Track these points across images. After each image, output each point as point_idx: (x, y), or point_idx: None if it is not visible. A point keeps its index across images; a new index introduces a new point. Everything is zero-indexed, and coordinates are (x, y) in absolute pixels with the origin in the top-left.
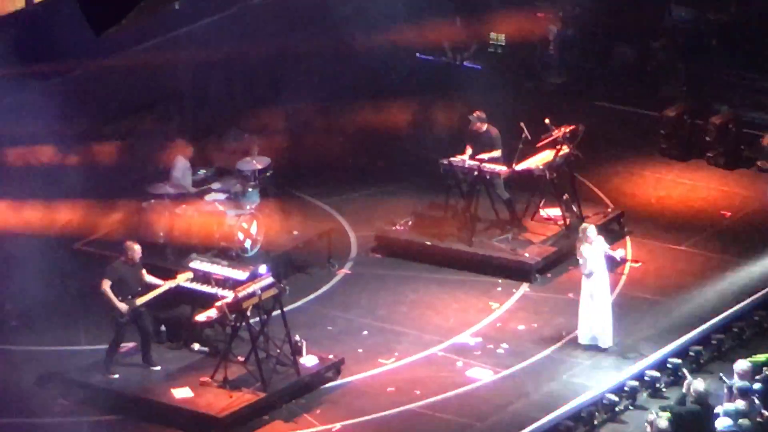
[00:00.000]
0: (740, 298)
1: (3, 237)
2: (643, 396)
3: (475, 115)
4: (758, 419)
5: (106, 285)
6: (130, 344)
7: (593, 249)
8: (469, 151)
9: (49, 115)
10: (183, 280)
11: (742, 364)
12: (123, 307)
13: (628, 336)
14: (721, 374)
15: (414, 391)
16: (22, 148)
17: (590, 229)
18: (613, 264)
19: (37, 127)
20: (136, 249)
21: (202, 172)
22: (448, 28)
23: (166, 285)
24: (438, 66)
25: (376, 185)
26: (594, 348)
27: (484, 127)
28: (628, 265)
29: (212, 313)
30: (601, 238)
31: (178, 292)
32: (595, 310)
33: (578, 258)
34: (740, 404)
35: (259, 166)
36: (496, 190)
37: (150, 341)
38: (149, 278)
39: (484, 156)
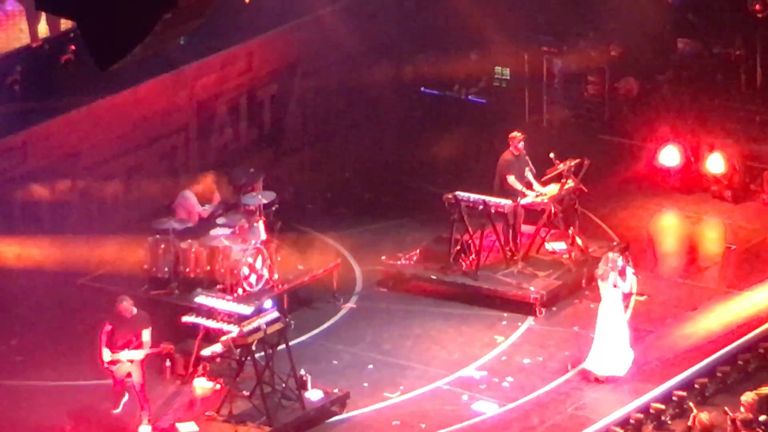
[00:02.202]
0: (746, 330)
1: (9, 272)
2: (648, 428)
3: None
4: None
5: (105, 329)
6: None
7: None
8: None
9: (55, 151)
10: (165, 349)
11: (748, 397)
12: (104, 355)
13: (633, 369)
14: (726, 407)
15: (419, 424)
16: (28, 184)
17: (620, 259)
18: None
19: (42, 162)
20: (124, 306)
21: (207, 206)
22: (461, 62)
23: (141, 352)
24: (443, 100)
25: (382, 219)
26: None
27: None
28: (633, 298)
29: (217, 347)
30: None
31: (184, 327)
32: (616, 337)
33: (604, 283)
34: None
35: (265, 201)
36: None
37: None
38: (146, 337)
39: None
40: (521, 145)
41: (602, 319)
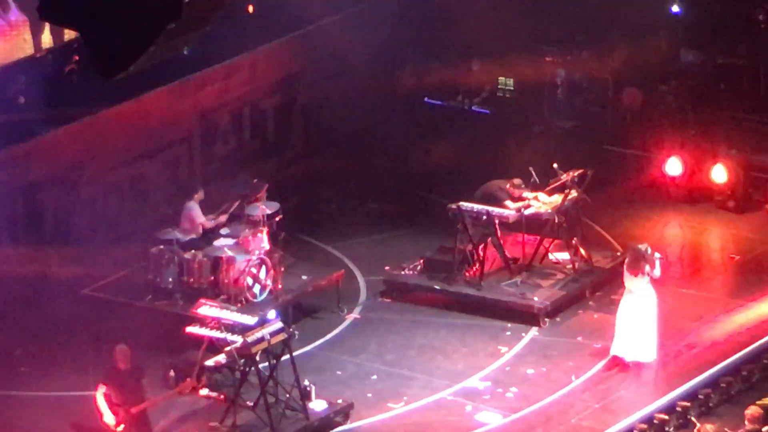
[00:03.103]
0: (750, 341)
1: (12, 282)
2: None
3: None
4: None
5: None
6: None
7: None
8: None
9: (58, 161)
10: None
11: (753, 410)
12: (108, 419)
13: (637, 379)
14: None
15: None
16: (32, 194)
17: (648, 248)
18: None
19: (46, 173)
20: (121, 355)
21: (211, 216)
22: (465, 72)
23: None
24: (447, 110)
25: (385, 229)
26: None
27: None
28: None
29: (221, 358)
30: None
31: (188, 338)
32: (643, 325)
33: (639, 277)
34: None
35: (268, 211)
36: None
37: None
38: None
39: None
40: (518, 192)
41: (631, 307)
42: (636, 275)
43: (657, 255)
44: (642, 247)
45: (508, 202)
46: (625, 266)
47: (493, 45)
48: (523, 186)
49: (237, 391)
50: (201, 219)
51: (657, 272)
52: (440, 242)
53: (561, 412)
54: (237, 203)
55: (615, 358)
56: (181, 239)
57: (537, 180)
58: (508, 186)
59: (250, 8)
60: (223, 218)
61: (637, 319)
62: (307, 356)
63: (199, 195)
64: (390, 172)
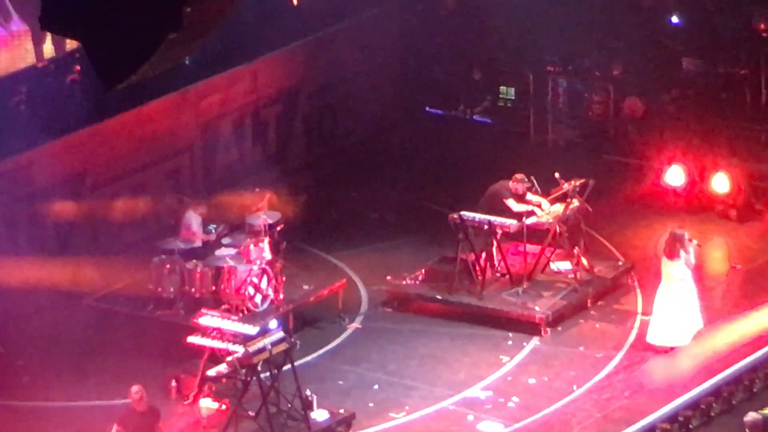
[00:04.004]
0: (751, 350)
1: (14, 293)
2: None
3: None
4: None
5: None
6: None
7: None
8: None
9: (60, 171)
10: None
11: (752, 417)
12: None
13: (639, 389)
14: None
15: None
16: (34, 204)
17: (686, 233)
18: None
19: (47, 182)
20: (137, 396)
21: (212, 227)
22: (466, 81)
23: None
24: (448, 119)
25: (387, 239)
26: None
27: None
28: (638, 318)
29: (223, 368)
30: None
31: (189, 348)
32: (678, 310)
33: (675, 261)
34: None
35: (270, 221)
36: None
37: None
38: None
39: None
40: (521, 186)
41: (668, 294)
42: (671, 258)
43: (694, 242)
44: (680, 231)
45: (510, 201)
46: (662, 251)
47: (495, 54)
48: (526, 181)
49: (239, 401)
50: (201, 234)
51: (692, 259)
52: (442, 252)
53: (563, 422)
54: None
55: (650, 346)
56: (182, 249)
57: (538, 189)
58: (510, 183)
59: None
60: (222, 229)
61: (672, 304)
62: (308, 366)
63: (201, 206)
64: (392, 182)
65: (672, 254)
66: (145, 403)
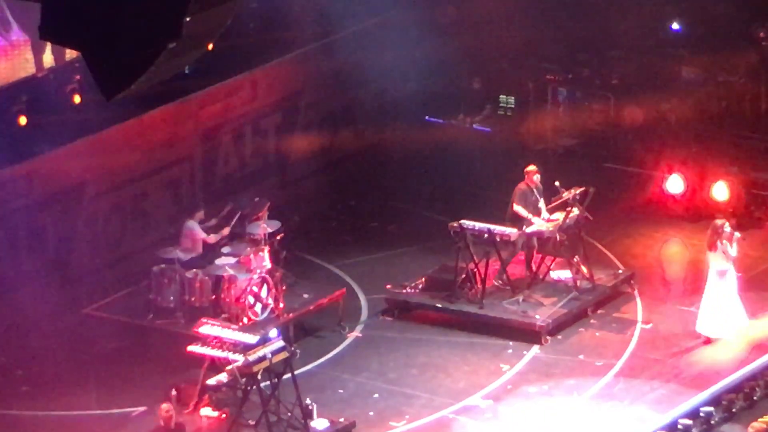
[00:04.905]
0: (751, 358)
1: (14, 302)
2: None
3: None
4: None
5: None
6: (141, 408)
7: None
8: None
9: (60, 180)
10: None
11: (757, 427)
12: None
13: (639, 397)
14: None
15: None
16: (34, 213)
17: (727, 225)
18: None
19: (47, 192)
20: (165, 413)
21: (212, 235)
22: (466, 90)
23: None
24: (448, 128)
25: (387, 248)
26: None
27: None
28: (638, 326)
29: (223, 377)
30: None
31: (190, 357)
32: (718, 301)
33: (714, 252)
34: None
35: (270, 230)
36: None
37: None
38: None
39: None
40: (536, 178)
41: (711, 285)
42: (711, 250)
43: (737, 234)
44: (720, 222)
45: (519, 208)
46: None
47: (495, 63)
48: (535, 170)
49: (239, 410)
50: (203, 235)
51: (732, 251)
52: (442, 261)
53: (562, 430)
54: (237, 216)
55: (700, 335)
56: (182, 258)
57: (539, 196)
58: (526, 180)
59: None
60: (225, 230)
61: (713, 295)
62: (308, 375)
63: (200, 215)
64: (391, 191)
65: (711, 246)
66: (174, 421)
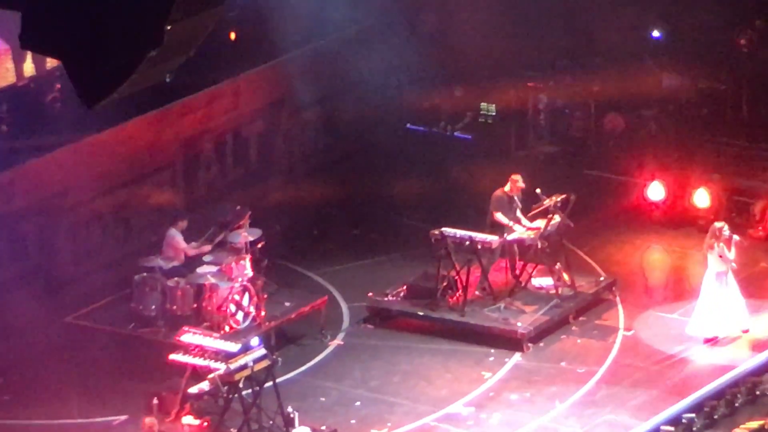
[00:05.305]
0: (732, 365)
1: None
2: None
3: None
4: None
5: None
6: (122, 417)
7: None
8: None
9: (41, 189)
10: None
11: None
12: None
13: (621, 404)
14: None
15: None
16: (15, 222)
17: (726, 228)
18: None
19: (29, 201)
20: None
21: (193, 244)
22: (447, 98)
23: None
24: (429, 136)
25: (368, 256)
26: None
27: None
28: (620, 333)
29: (205, 385)
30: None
31: (171, 365)
32: (733, 301)
33: (710, 254)
34: None
35: (251, 238)
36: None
37: None
38: None
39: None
40: (519, 184)
41: (707, 287)
42: (708, 251)
43: (736, 237)
44: (719, 225)
45: (498, 215)
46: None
47: (476, 70)
48: (519, 180)
49: (220, 418)
50: (183, 245)
51: (730, 254)
52: (423, 268)
53: None
54: (222, 234)
55: (683, 341)
56: (164, 267)
57: (519, 203)
58: (507, 187)
59: (232, 35)
60: (206, 247)
61: (708, 296)
62: (290, 383)
63: (183, 223)
64: (373, 199)
65: (709, 248)
66: None
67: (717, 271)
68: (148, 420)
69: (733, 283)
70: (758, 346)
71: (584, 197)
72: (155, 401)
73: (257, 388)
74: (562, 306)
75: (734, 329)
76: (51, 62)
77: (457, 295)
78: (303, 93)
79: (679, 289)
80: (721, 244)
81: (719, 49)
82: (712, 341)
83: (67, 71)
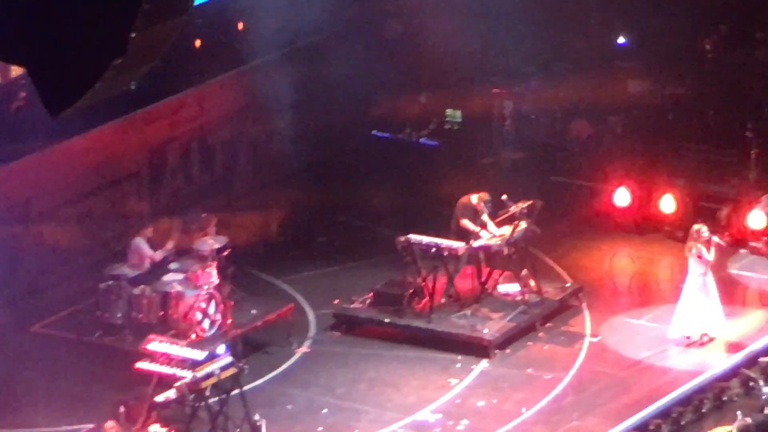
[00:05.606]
0: (699, 370)
1: None
2: None
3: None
4: None
5: None
6: (89, 426)
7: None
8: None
9: (6, 197)
10: None
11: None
12: None
13: (588, 411)
14: None
15: None
16: None
17: (704, 229)
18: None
19: None
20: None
21: (159, 252)
22: (412, 104)
23: None
24: (395, 143)
25: (334, 263)
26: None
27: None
28: (587, 339)
29: (171, 393)
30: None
31: (138, 374)
32: (710, 303)
33: (689, 255)
34: None
35: (217, 246)
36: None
37: None
38: None
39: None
40: (484, 203)
41: (686, 288)
42: (687, 253)
43: (715, 239)
44: (697, 227)
45: (466, 221)
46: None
47: (441, 77)
48: (487, 200)
49: (187, 426)
50: (149, 253)
51: (709, 256)
52: (390, 275)
53: None
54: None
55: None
56: (129, 275)
57: (486, 211)
58: (473, 198)
59: (197, 43)
60: (170, 245)
61: (686, 297)
62: (257, 390)
63: (148, 231)
64: (339, 206)
65: (688, 249)
66: None
67: (696, 273)
68: (109, 424)
69: (713, 287)
70: (725, 352)
71: (550, 203)
72: (122, 410)
73: (224, 395)
74: (529, 312)
75: (711, 331)
76: (16, 70)
77: (424, 301)
78: (269, 101)
79: (646, 294)
80: (699, 246)
81: (684, 55)
82: (692, 342)
83: (32, 79)
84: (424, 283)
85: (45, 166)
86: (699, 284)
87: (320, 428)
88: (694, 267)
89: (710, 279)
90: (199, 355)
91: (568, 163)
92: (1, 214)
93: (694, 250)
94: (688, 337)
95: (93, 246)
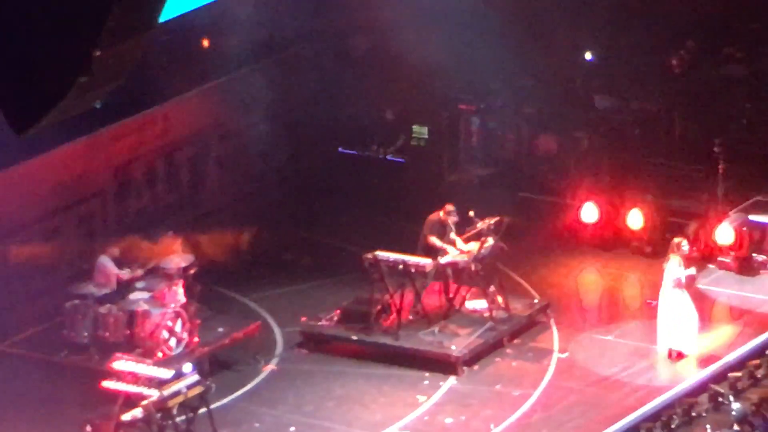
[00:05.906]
0: (668, 386)
1: None
2: None
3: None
4: None
5: None
6: None
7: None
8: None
9: None
10: None
11: None
12: None
13: (557, 427)
14: None
15: None
16: None
17: (684, 244)
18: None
19: None
20: None
21: (126, 270)
22: (379, 121)
23: None
24: (361, 159)
25: (301, 280)
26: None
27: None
28: (555, 356)
29: (138, 412)
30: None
31: (104, 392)
32: (685, 317)
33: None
34: None
35: (184, 264)
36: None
37: None
38: None
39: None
40: (452, 217)
41: (662, 301)
42: (665, 264)
43: (691, 270)
44: (678, 240)
45: (433, 238)
46: None
47: (407, 93)
48: (454, 213)
49: None
50: (116, 271)
51: (680, 269)
52: (357, 293)
53: None
54: (153, 263)
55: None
56: (95, 294)
57: (453, 228)
58: (441, 214)
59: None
60: (139, 272)
61: (663, 307)
62: (224, 409)
63: (114, 250)
64: (305, 223)
65: (666, 260)
66: None
67: (667, 281)
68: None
69: (689, 302)
70: (694, 367)
71: (518, 219)
72: (88, 429)
73: (191, 414)
74: (497, 329)
75: (686, 350)
76: None
77: (392, 319)
78: (235, 117)
79: (614, 310)
80: (673, 258)
81: (651, 71)
82: (682, 355)
83: None
84: (391, 300)
85: (10, 185)
86: (675, 296)
87: None
88: (666, 275)
89: (686, 295)
90: (165, 373)
91: (535, 178)
92: None
93: (670, 262)
94: (672, 352)
95: (58, 265)
